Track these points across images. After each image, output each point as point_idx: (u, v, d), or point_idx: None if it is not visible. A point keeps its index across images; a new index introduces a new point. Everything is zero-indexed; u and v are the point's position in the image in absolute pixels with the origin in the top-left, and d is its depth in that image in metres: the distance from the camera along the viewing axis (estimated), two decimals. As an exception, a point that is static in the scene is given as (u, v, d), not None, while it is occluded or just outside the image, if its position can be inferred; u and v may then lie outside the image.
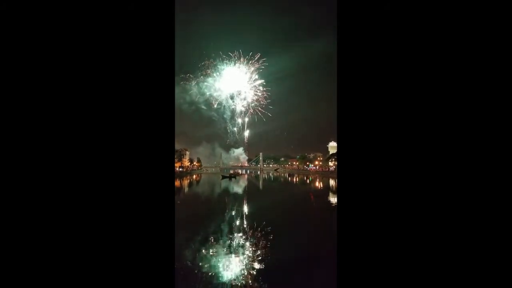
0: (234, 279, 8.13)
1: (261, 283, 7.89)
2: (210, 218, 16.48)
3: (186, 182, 48.47)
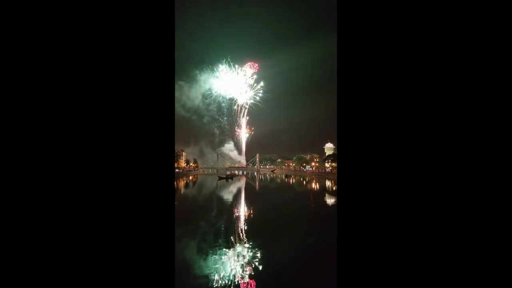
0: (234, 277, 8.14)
1: (261, 283, 7.90)
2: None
3: (182, 183, 48.30)
